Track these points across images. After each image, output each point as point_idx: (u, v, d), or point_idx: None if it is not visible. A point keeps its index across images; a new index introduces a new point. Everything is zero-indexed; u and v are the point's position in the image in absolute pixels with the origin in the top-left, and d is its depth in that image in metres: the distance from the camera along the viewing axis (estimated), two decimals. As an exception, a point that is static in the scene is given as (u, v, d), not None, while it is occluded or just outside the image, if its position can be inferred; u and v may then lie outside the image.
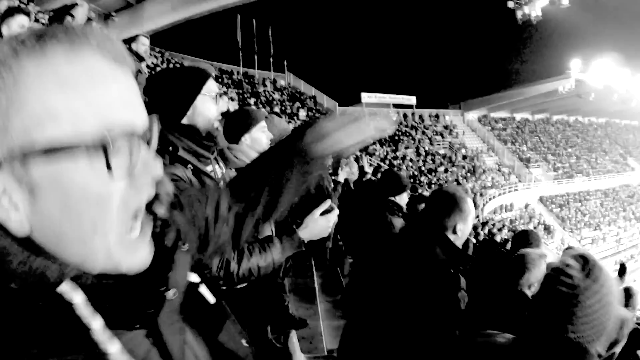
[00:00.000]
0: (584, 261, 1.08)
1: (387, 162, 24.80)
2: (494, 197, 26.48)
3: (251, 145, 2.14)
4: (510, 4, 20.04)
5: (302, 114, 26.35)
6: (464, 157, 29.21)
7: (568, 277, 1.05)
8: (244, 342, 0.78)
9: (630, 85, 46.75)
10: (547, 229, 27.69)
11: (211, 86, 1.66)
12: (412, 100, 32.33)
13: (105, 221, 0.50)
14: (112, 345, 0.49)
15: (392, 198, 3.58)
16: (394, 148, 27.32)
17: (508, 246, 5.53)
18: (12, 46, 0.48)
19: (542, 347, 1.07)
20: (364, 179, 6.88)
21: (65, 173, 0.48)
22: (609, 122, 49.98)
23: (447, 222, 1.87)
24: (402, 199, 3.65)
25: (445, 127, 32.59)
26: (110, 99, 0.50)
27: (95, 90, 0.50)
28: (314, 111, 28.20)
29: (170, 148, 1.53)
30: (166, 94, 1.59)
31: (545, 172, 33.69)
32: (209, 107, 1.63)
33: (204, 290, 0.73)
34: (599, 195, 34.50)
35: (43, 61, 0.48)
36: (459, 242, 1.93)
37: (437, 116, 33.58)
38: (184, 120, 1.60)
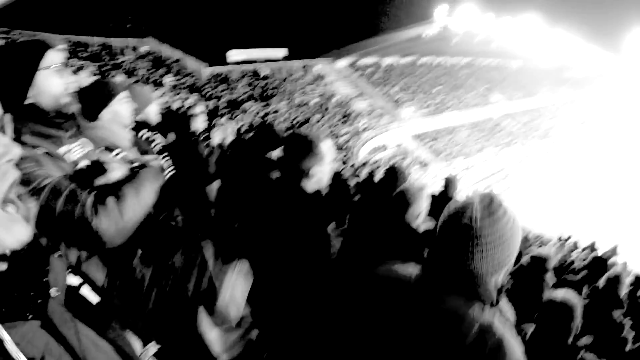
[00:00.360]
0: (488, 201, 1.10)
1: (261, 117, 24.54)
2: (369, 139, 27.53)
3: (112, 120, 1.92)
4: None
5: (168, 79, 24.92)
6: (337, 105, 29.84)
7: (469, 213, 1.07)
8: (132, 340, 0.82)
9: (492, 28, 50.60)
10: (422, 163, 29.67)
11: (53, 58, 1.45)
12: (281, 53, 31.96)
13: None
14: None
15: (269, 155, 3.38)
16: (267, 103, 27.07)
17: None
18: None
19: (444, 279, 1.10)
20: (240, 139, 6.56)
21: None
22: (472, 61, 54.26)
23: (302, 166, 1.83)
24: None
25: (316, 77, 32.90)
26: None
27: None
28: (180, 75, 26.84)
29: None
30: (1, 76, 1.38)
31: (416, 110, 35.36)
32: (52, 82, 1.44)
33: (85, 291, 0.73)
34: (467, 127, 37.42)
35: None
36: (315, 186, 1.89)
37: (306, 67, 33.73)
38: (29, 101, 1.41)
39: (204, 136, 4.23)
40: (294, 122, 26.08)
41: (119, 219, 1.35)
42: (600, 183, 30.94)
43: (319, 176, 1.88)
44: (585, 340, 2.87)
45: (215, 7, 34.13)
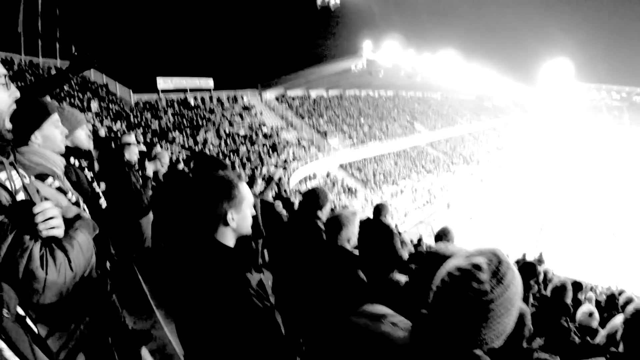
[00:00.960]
0: (497, 263, 1.00)
1: (189, 148, 24.21)
2: (297, 169, 28.02)
3: (44, 145, 1.76)
4: None
5: (94, 105, 23.90)
6: (265, 136, 30.19)
7: (478, 282, 0.97)
8: None
9: (415, 63, 53.97)
10: (350, 190, 30.62)
11: None
12: (209, 82, 31.89)
13: None
14: None
15: None
16: (195, 133, 26.79)
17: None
18: None
19: (440, 346, 1.01)
20: (175, 170, 6.40)
21: None
22: (397, 94, 57.41)
23: (217, 210, 1.59)
24: None
25: (244, 108, 33.18)
26: None
27: None
28: (106, 101, 25.87)
29: None
30: None
31: (342, 141, 36.32)
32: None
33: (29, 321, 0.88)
34: (392, 157, 39.16)
35: None
36: (233, 234, 1.64)
37: (235, 98, 33.95)
38: None
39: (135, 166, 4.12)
40: (223, 152, 26.02)
41: (69, 274, 1.29)
42: (519, 204, 33.98)
43: (240, 222, 1.67)
44: (538, 342, 3.17)
45: (143, 34, 33.54)
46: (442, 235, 4.38)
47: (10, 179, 1.36)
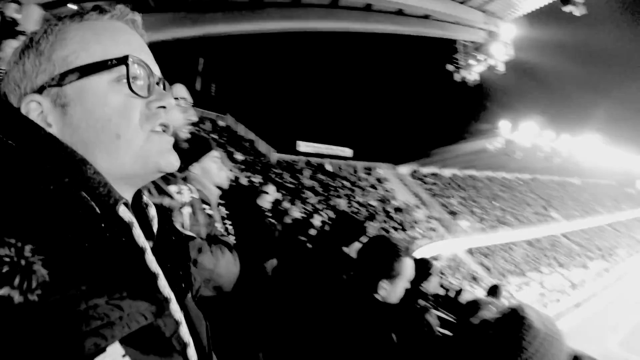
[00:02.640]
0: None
1: (319, 209, 25.57)
2: (422, 247, 27.53)
3: (202, 176, 1.98)
4: (450, 68, 21.00)
5: (239, 156, 26.76)
6: (396, 210, 30.44)
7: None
8: None
9: (554, 145, 50.91)
10: (473, 278, 28.96)
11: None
12: (347, 152, 33.62)
13: (128, 128, 0.62)
14: (159, 272, 0.60)
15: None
16: (327, 197, 28.18)
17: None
18: (57, 18, 0.66)
19: None
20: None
21: (92, 87, 0.61)
22: (534, 177, 53.69)
23: (378, 277, 1.76)
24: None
25: (378, 180, 34.08)
26: (133, 45, 0.67)
27: (120, 37, 0.66)
28: (250, 155, 28.79)
29: None
30: None
31: (472, 224, 35.28)
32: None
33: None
34: (523, 245, 36.58)
35: (82, 23, 0.65)
36: (384, 298, 1.77)
37: (369, 169, 35.18)
38: None
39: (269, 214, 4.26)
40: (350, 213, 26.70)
41: (235, 269, 1.55)
42: None
43: (392, 291, 1.74)
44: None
45: (291, 99, 37.06)
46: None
47: (180, 192, 1.56)
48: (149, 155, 0.64)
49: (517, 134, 41.00)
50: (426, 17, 18.44)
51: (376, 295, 1.72)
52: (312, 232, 6.53)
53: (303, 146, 32.95)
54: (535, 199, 48.17)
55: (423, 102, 30.47)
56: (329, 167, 32.08)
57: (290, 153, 32.15)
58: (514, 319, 1.15)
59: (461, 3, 18.29)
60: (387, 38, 22.06)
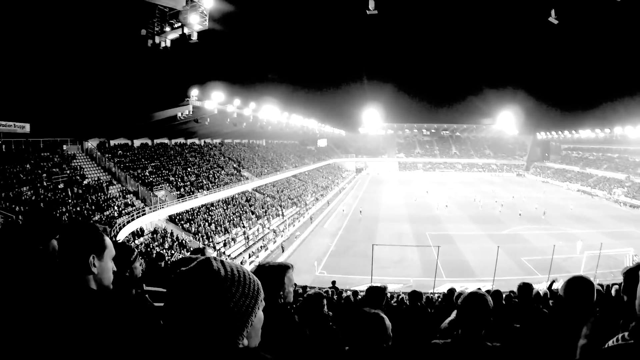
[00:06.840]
0: None
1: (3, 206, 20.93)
2: (123, 224, 26.44)
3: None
4: (143, 32, 19.70)
5: None
6: (88, 190, 27.84)
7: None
8: None
9: (240, 111, 56.48)
10: (182, 244, 30.06)
11: None
12: (25, 128, 27.64)
13: None
14: None
15: None
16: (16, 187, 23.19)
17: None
18: None
19: None
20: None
21: None
22: (223, 142, 58.99)
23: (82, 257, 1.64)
24: None
25: (64, 159, 30.17)
26: None
27: None
28: None
29: None
30: None
31: (169, 192, 35.84)
32: None
33: None
34: (221, 205, 40.15)
35: None
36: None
37: (54, 146, 30.68)
38: None
39: None
40: (42, 206, 23.02)
41: None
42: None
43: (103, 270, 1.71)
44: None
45: None
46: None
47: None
48: None
49: (206, 102, 43.39)
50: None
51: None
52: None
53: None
54: (227, 162, 53.01)
55: (111, 68, 28.13)
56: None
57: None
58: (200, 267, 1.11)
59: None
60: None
